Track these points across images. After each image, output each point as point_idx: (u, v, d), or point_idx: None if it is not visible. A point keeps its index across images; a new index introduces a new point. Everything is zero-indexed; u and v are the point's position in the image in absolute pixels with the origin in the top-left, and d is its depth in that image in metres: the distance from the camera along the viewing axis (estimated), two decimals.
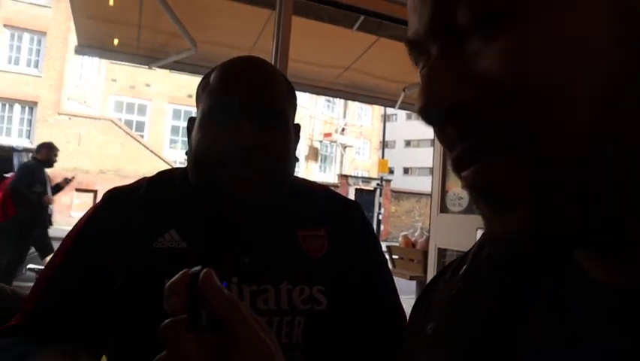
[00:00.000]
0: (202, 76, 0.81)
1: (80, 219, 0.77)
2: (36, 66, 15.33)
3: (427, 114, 0.29)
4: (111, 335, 0.74)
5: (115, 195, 0.78)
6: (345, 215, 0.83)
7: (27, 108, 15.01)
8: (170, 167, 0.81)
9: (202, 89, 0.77)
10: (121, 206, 0.76)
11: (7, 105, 14.84)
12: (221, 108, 0.72)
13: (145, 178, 0.81)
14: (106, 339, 0.75)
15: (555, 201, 0.26)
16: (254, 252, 0.74)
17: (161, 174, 0.83)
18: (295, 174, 0.82)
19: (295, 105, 0.82)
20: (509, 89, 0.26)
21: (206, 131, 0.73)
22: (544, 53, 0.25)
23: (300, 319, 0.72)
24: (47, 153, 5.38)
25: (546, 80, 0.25)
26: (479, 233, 2.26)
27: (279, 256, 0.75)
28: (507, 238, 0.28)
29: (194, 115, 0.80)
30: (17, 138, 14.36)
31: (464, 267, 0.41)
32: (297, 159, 0.80)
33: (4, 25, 14.83)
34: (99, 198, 0.81)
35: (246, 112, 0.71)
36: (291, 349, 0.70)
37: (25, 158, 5.90)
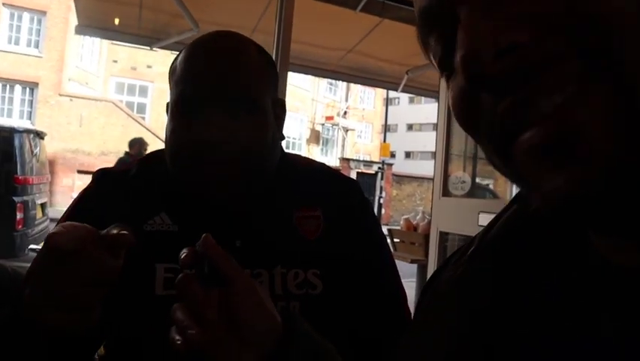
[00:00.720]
0: None
1: (73, 201, 0.76)
2: (36, 46, 15.21)
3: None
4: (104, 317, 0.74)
5: (105, 177, 0.76)
6: (342, 194, 0.80)
7: (28, 89, 14.93)
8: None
9: (171, 74, 0.73)
10: (111, 187, 0.74)
11: (8, 86, 14.77)
12: (185, 100, 0.68)
13: (134, 160, 0.80)
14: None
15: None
16: (246, 235, 0.71)
17: (152, 156, 0.80)
18: (295, 154, 0.79)
19: (274, 81, 0.77)
20: (584, 16, 0.24)
21: (174, 124, 0.70)
22: None
23: (295, 304, 0.70)
24: (139, 148, 5.93)
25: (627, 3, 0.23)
26: (481, 216, 2.26)
27: (272, 238, 0.73)
28: (580, 193, 0.24)
29: None
30: (18, 119, 14.31)
31: (471, 249, 0.41)
32: (282, 137, 0.76)
33: (3, 4, 14.66)
34: None
35: (211, 102, 0.67)
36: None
37: (27, 139, 5.88)
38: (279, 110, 0.76)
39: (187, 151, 0.67)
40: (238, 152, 0.67)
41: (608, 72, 0.23)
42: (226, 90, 0.68)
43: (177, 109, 0.70)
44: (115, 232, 0.52)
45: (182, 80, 0.69)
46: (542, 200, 0.27)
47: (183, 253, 0.48)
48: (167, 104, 0.75)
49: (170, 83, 0.73)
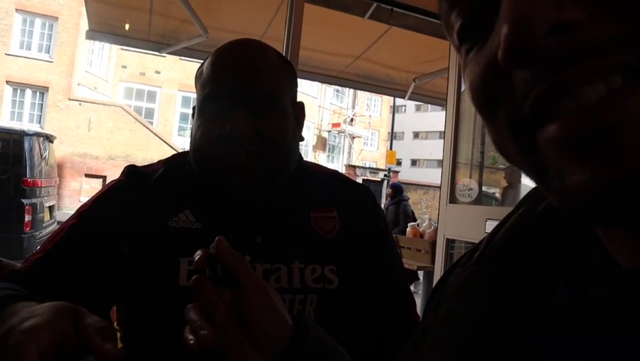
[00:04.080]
0: None
1: (102, 188, 0.80)
2: (47, 51, 15.37)
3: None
4: (124, 307, 0.75)
5: (135, 172, 0.80)
6: (356, 197, 0.84)
7: (38, 93, 15.07)
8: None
9: (197, 78, 0.78)
10: (140, 182, 0.78)
11: (19, 90, 14.92)
12: (212, 98, 0.73)
13: (161, 161, 0.84)
14: (118, 307, 0.76)
15: None
16: (266, 231, 0.75)
17: (176, 157, 0.85)
18: (305, 159, 0.83)
19: (294, 84, 0.82)
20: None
21: (200, 123, 0.74)
22: None
23: (313, 297, 0.73)
24: None
25: None
26: (488, 224, 2.25)
27: (291, 235, 0.76)
28: (608, 191, 0.23)
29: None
30: (28, 122, 14.46)
31: (477, 252, 0.41)
32: (301, 138, 0.80)
33: (16, 10, 14.85)
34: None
35: (236, 100, 0.71)
36: None
37: (36, 142, 5.94)
38: (297, 112, 0.80)
39: (213, 144, 0.71)
40: (261, 144, 0.71)
41: None
42: (249, 89, 0.72)
43: (204, 108, 0.74)
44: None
45: (208, 81, 0.74)
46: (562, 195, 0.26)
47: (197, 255, 0.49)
48: (194, 107, 0.79)
49: (196, 87, 0.78)
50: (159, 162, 0.83)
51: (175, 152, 0.97)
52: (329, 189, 0.83)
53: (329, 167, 0.93)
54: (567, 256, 0.34)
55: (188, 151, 0.84)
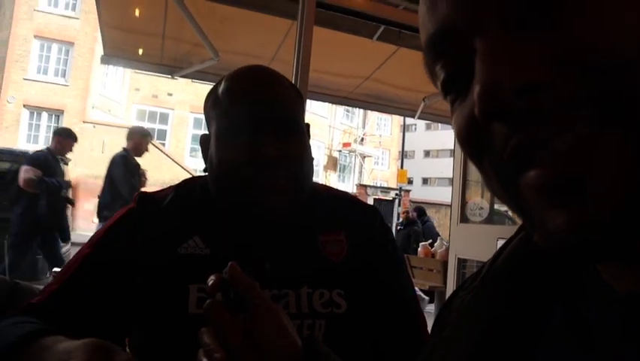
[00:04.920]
0: None
1: (113, 216, 0.80)
2: (63, 75, 15.74)
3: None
4: (137, 333, 0.75)
5: (146, 198, 0.80)
6: (364, 220, 0.84)
7: (54, 116, 15.39)
8: (191, 175, 0.83)
9: (212, 104, 0.78)
10: (151, 209, 0.78)
11: (35, 113, 15.25)
12: (237, 123, 0.73)
13: (172, 187, 0.84)
14: (130, 336, 0.77)
15: None
16: (275, 257, 0.75)
17: (186, 183, 0.85)
18: (315, 179, 0.83)
19: (304, 109, 0.84)
20: (604, 61, 0.24)
21: (225, 148, 0.74)
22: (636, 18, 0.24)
23: (321, 322, 0.72)
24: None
25: None
26: (499, 243, 2.23)
27: (299, 260, 0.76)
28: (583, 234, 0.25)
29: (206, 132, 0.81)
30: (44, 145, 14.72)
31: (481, 275, 0.42)
32: (312, 159, 0.81)
33: (35, 36, 15.28)
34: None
35: (263, 124, 0.72)
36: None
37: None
38: (307, 133, 0.82)
39: (244, 170, 0.71)
40: (292, 168, 0.73)
41: (621, 118, 0.24)
42: (275, 114, 0.74)
43: (226, 134, 0.74)
44: None
45: (230, 109, 0.74)
46: (545, 236, 0.27)
47: (211, 280, 0.51)
48: (204, 135, 0.80)
49: (209, 114, 0.78)
50: (170, 187, 0.84)
51: (187, 173, 0.98)
52: (337, 211, 0.83)
53: (340, 187, 0.93)
54: (564, 281, 0.34)
55: (197, 176, 0.84)
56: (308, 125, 0.83)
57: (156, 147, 15.59)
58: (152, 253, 0.73)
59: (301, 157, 0.75)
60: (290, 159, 0.73)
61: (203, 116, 0.82)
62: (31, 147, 7.90)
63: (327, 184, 1.00)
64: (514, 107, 0.25)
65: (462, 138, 0.31)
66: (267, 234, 0.76)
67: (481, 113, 0.26)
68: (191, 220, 0.77)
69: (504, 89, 0.25)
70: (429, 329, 0.79)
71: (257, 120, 0.72)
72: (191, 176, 0.86)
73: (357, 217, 0.84)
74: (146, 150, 4.66)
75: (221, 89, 0.77)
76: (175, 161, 15.55)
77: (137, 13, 3.13)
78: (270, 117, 0.73)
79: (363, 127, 24.95)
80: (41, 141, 15.04)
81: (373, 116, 24.61)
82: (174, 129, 18.42)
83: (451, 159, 2.88)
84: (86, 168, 14.39)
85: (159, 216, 0.77)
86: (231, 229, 0.76)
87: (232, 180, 0.74)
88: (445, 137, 27.95)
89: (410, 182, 26.67)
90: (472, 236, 2.53)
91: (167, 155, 15.68)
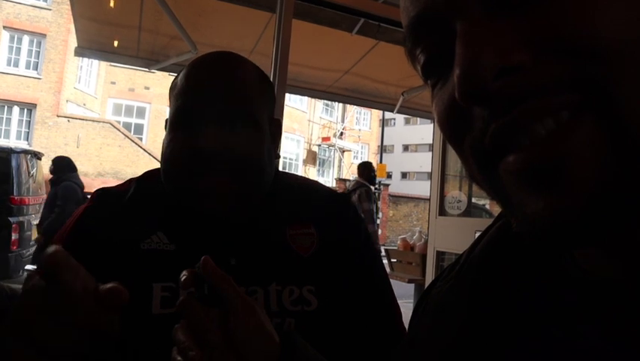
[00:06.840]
0: None
1: (70, 218, 0.76)
2: (35, 68, 15.32)
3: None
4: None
5: (104, 196, 0.76)
6: (335, 210, 0.80)
7: (26, 110, 14.99)
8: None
9: (171, 90, 0.75)
10: (109, 206, 0.74)
11: (6, 107, 14.82)
12: (185, 112, 0.70)
13: (133, 179, 0.80)
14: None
15: (632, 172, 0.24)
16: (240, 253, 0.72)
17: (149, 175, 0.80)
18: (287, 172, 0.80)
19: (271, 100, 0.78)
20: (583, 46, 0.24)
21: (171, 137, 0.71)
22: (615, 5, 0.24)
23: (290, 320, 0.70)
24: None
25: (625, 33, 0.24)
26: (477, 235, 2.27)
27: (266, 255, 0.73)
28: (561, 219, 0.25)
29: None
30: (16, 140, 14.34)
31: (458, 265, 0.42)
32: (277, 156, 0.77)
33: (4, 27, 14.82)
34: None
35: (209, 115, 0.68)
36: None
37: (24, 160, 5.89)
38: (274, 129, 0.78)
39: (184, 162, 0.68)
40: (236, 163, 0.68)
41: (598, 104, 0.24)
42: (223, 103, 0.69)
43: (175, 121, 0.71)
44: (110, 285, 0.46)
45: (181, 94, 0.71)
46: (523, 221, 0.28)
47: (184, 276, 0.49)
48: (166, 120, 0.75)
49: (169, 99, 0.75)
50: (131, 180, 0.79)
51: None
52: (306, 202, 0.79)
53: (319, 180, 0.90)
54: (541, 267, 0.34)
55: (159, 168, 0.79)
56: (278, 122, 0.79)
57: (133, 142, 15.36)
58: (114, 251, 0.69)
59: (250, 152, 0.70)
60: (234, 152, 0.67)
61: None
62: (3, 142, 7.69)
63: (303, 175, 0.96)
64: (494, 89, 0.25)
65: (442, 122, 0.31)
66: (221, 231, 0.72)
67: (460, 96, 0.26)
68: (155, 214, 0.73)
69: (483, 71, 0.25)
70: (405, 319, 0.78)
71: (203, 110, 0.68)
72: (154, 168, 0.81)
73: (329, 208, 0.80)
74: None
75: (182, 73, 0.74)
76: (152, 155, 15.33)
77: (111, 3, 3.06)
78: (218, 105, 0.68)
79: (343, 121, 25.00)
80: (13, 136, 14.65)
81: (352, 110, 24.69)
82: (151, 123, 18.14)
83: (430, 153, 2.91)
84: None
85: (119, 212, 0.73)
86: (195, 223, 0.71)
87: (170, 172, 0.70)
88: (423, 131, 28.21)
89: (389, 176, 26.87)
90: (450, 229, 2.57)
91: (144, 149, 15.46)
